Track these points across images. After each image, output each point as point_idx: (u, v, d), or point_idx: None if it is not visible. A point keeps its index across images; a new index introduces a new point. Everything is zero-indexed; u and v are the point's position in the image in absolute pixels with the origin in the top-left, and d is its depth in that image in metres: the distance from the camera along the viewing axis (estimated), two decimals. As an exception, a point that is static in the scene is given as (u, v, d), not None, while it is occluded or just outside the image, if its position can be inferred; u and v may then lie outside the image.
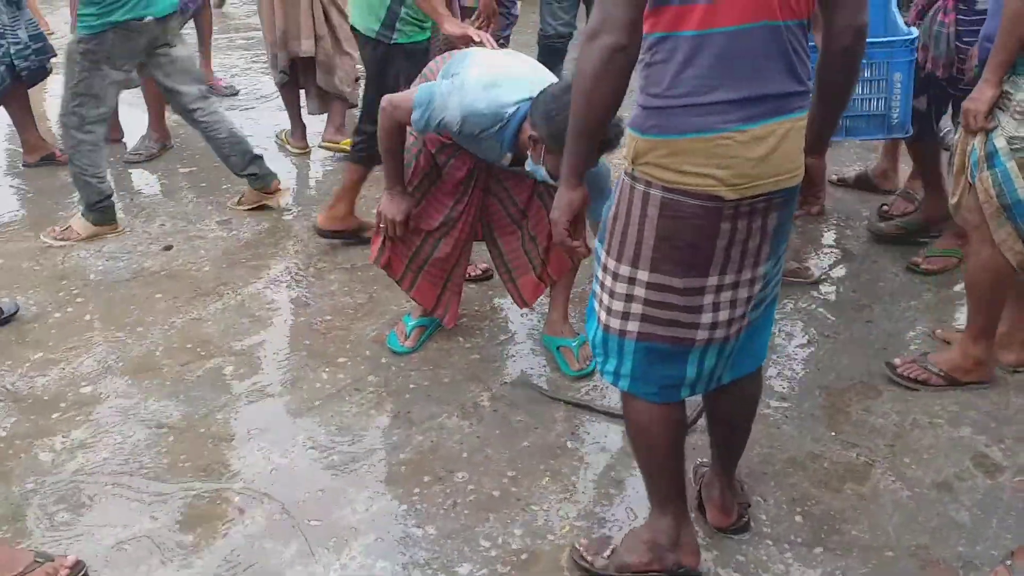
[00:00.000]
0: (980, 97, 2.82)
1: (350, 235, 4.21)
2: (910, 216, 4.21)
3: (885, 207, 4.39)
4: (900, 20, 3.75)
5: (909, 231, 4.15)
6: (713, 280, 2.06)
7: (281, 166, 5.22)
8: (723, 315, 2.11)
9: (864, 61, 2.79)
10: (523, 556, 2.50)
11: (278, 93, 5.53)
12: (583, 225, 2.24)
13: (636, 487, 2.65)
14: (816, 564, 2.45)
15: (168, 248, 4.28)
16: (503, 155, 2.85)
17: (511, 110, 2.73)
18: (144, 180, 5.13)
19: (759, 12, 1.88)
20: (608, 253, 2.12)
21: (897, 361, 3.20)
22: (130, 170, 5.22)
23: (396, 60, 3.75)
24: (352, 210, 4.20)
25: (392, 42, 3.72)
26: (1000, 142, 2.81)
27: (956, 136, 3.04)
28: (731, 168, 1.93)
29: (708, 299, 2.08)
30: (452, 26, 3.56)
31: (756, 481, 2.75)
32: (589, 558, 2.41)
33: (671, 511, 2.33)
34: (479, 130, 2.72)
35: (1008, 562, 2.36)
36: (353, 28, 3.89)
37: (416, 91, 2.85)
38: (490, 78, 2.72)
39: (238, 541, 2.57)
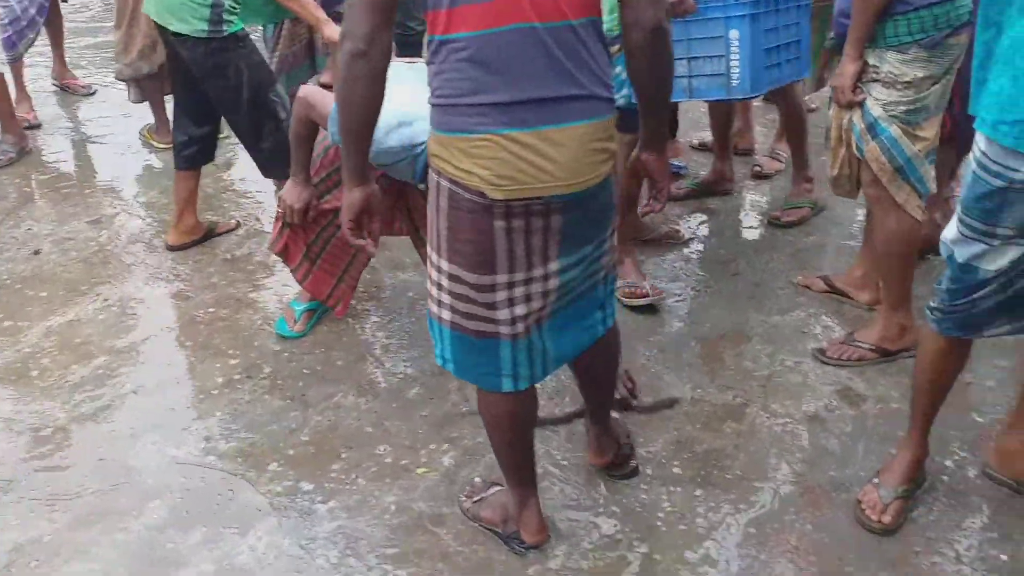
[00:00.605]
0: (844, 72, 2.92)
1: (204, 239, 4.20)
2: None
3: (757, 167, 4.60)
4: None
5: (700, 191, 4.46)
6: (503, 278, 2.09)
7: (146, 162, 5.13)
8: (519, 310, 2.13)
9: (700, 18, 3.10)
10: (427, 521, 2.58)
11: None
12: (373, 221, 2.23)
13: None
14: (702, 500, 2.61)
15: (37, 252, 4.16)
16: (416, 183, 2.82)
17: (422, 148, 2.65)
18: (5, 186, 4.96)
19: (509, 15, 1.89)
20: (428, 241, 2.21)
21: (825, 346, 3.26)
22: (-12, 176, 5.05)
23: (233, 50, 3.73)
24: (196, 217, 4.18)
25: (225, 34, 3.70)
26: (877, 111, 2.92)
27: (830, 111, 3.15)
28: (491, 169, 1.97)
29: (502, 295, 2.11)
30: (333, 31, 3.57)
31: (642, 427, 2.89)
32: (463, 497, 2.61)
33: (516, 491, 2.45)
34: (391, 160, 2.70)
35: (875, 480, 2.56)
36: (175, 35, 3.76)
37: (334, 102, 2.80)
38: (402, 115, 2.59)
39: (140, 533, 2.57)
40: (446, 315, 2.20)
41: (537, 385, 2.35)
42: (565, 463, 2.77)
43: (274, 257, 3.62)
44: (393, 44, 2.01)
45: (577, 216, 2.09)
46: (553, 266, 2.12)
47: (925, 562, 2.37)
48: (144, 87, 5.15)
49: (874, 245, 3.24)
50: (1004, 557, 2.37)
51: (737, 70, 3.24)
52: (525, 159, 1.96)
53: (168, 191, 4.77)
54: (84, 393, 3.19)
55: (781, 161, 4.60)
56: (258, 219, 4.43)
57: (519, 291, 2.12)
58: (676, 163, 4.62)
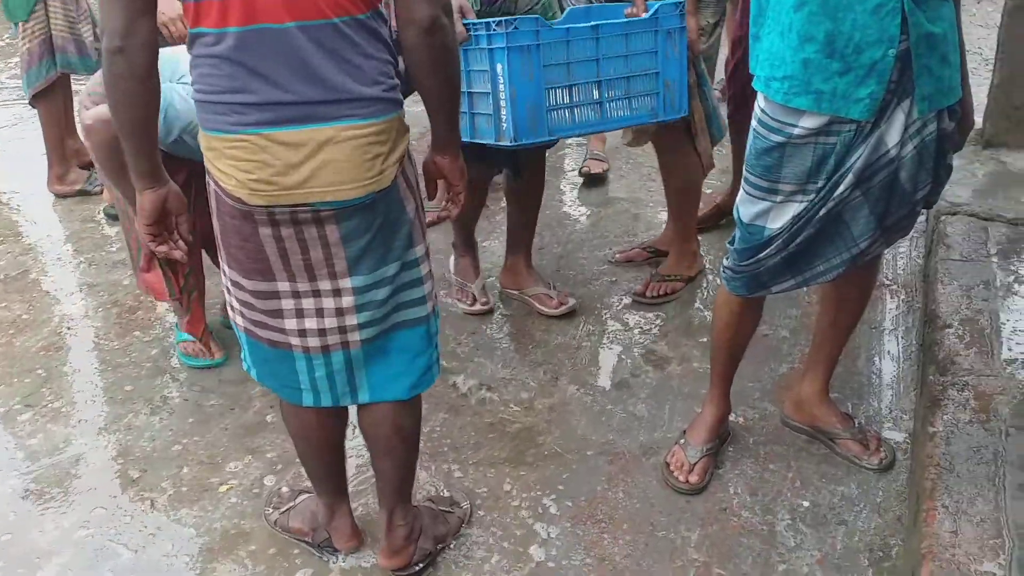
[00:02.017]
0: (689, 26, 2.99)
1: None
2: None
3: (585, 168, 4.51)
4: None
5: None
6: (284, 286, 1.98)
7: None
8: (310, 323, 2.01)
9: (472, 47, 2.71)
10: (232, 535, 2.45)
11: None
12: (179, 223, 2.06)
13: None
14: (518, 479, 2.58)
15: None
16: None
17: None
18: None
19: (257, 13, 1.76)
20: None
21: (639, 288, 3.44)
22: None
23: None
24: None
25: None
26: (700, 67, 3.13)
27: None
28: (251, 173, 1.83)
29: (288, 304, 1.99)
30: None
31: (455, 413, 2.84)
32: (270, 509, 2.50)
33: (326, 500, 2.36)
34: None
35: (681, 440, 2.60)
36: None
37: None
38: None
39: (-89, 593, 2.33)
40: (239, 320, 2.08)
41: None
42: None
43: (50, 277, 3.37)
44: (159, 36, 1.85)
45: (360, 228, 1.93)
46: (345, 283, 1.98)
47: (734, 517, 2.41)
48: None
49: (670, 187, 3.45)
50: (805, 503, 2.44)
51: (505, 112, 2.70)
52: (285, 161, 1.82)
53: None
54: None
55: (606, 162, 4.52)
56: (25, 235, 4.12)
57: (308, 303, 1.99)
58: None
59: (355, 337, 2.04)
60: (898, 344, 3.05)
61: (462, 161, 2.10)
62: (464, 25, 2.66)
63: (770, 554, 2.30)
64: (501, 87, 2.67)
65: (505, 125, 2.70)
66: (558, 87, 2.76)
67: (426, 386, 2.18)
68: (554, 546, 2.36)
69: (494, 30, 2.62)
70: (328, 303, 2.00)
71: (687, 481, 2.50)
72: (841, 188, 2.13)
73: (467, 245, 3.46)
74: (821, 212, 2.16)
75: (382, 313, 2.04)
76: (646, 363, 3.05)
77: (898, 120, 2.09)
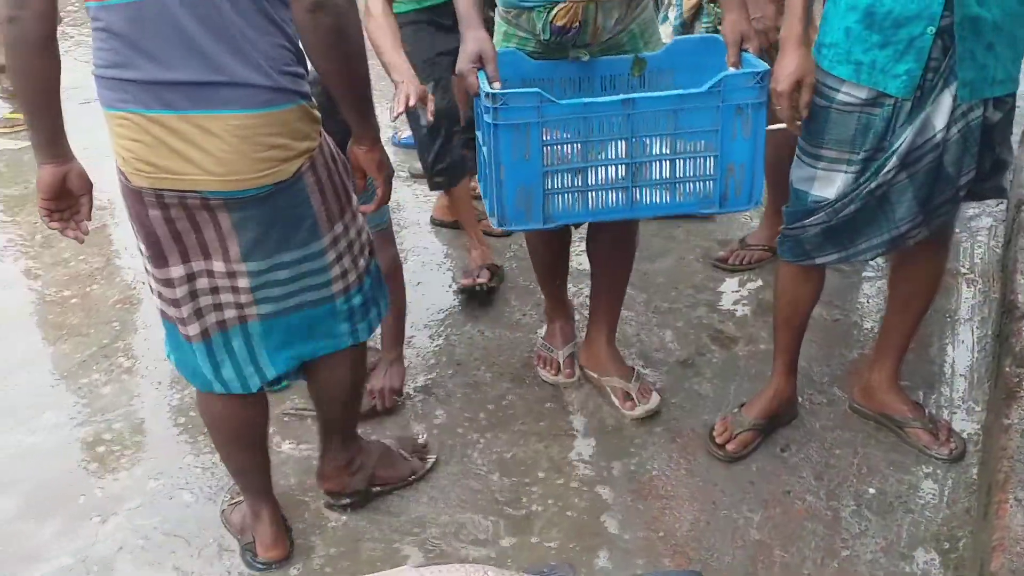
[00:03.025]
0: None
1: None
2: None
3: None
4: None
5: None
6: (177, 271, 1.92)
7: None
8: (205, 300, 1.97)
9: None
10: (296, 499, 2.49)
11: None
12: (80, 202, 2.00)
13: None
14: (580, 451, 2.59)
15: None
16: None
17: None
18: None
19: None
20: None
21: (723, 254, 3.42)
22: None
23: None
24: None
25: None
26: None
27: None
28: (133, 152, 1.80)
29: (182, 290, 1.94)
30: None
31: (520, 383, 2.86)
32: (227, 497, 2.46)
33: (247, 499, 2.32)
34: None
35: (735, 410, 2.59)
36: None
37: None
38: None
39: (-10, 530, 2.42)
40: (158, 303, 2.03)
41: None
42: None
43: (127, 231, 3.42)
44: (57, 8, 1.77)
45: (254, 218, 1.87)
46: (240, 267, 1.92)
47: (797, 501, 2.39)
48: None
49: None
50: (872, 491, 2.41)
51: (492, 192, 2.28)
52: (169, 145, 1.77)
53: (15, 168, 4.51)
54: (-76, 384, 2.98)
55: None
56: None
57: (203, 283, 1.94)
58: None
59: (252, 311, 2.00)
60: (972, 334, 2.99)
61: (380, 152, 1.98)
62: (477, 77, 2.17)
63: (833, 539, 2.27)
64: (491, 164, 2.23)
65: (494, 206, 2.27)
66: (567, 170, 2.23)
67: (365, 334, 2.18)
68: (616, 519, 2.36)
69: (485, 99, 2.13)
70: (223, 282, 1.95)
71: (723, 447, 2.52)
72: (887, 169, 2.15)
73: (555, 307, 2.93)
74: (866, 190, 2.18)
75: (281, 292, 1.99)
76: (713, 342, 3.02)
77: (945, 103, 2.09)
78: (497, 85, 2.11)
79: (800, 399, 2.68)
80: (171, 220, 1.86)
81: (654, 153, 2.24)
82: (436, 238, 3.73)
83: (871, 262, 3.27)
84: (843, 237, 2.28)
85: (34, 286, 3.51)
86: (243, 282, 1.95)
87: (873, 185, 2.17)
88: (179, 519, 2.42)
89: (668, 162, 2.25)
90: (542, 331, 3.01)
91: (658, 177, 2.27)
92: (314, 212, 1.94)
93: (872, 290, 3.23)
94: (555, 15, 2.28)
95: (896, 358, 2.58)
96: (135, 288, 3.43)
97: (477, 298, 3.23)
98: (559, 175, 2.23)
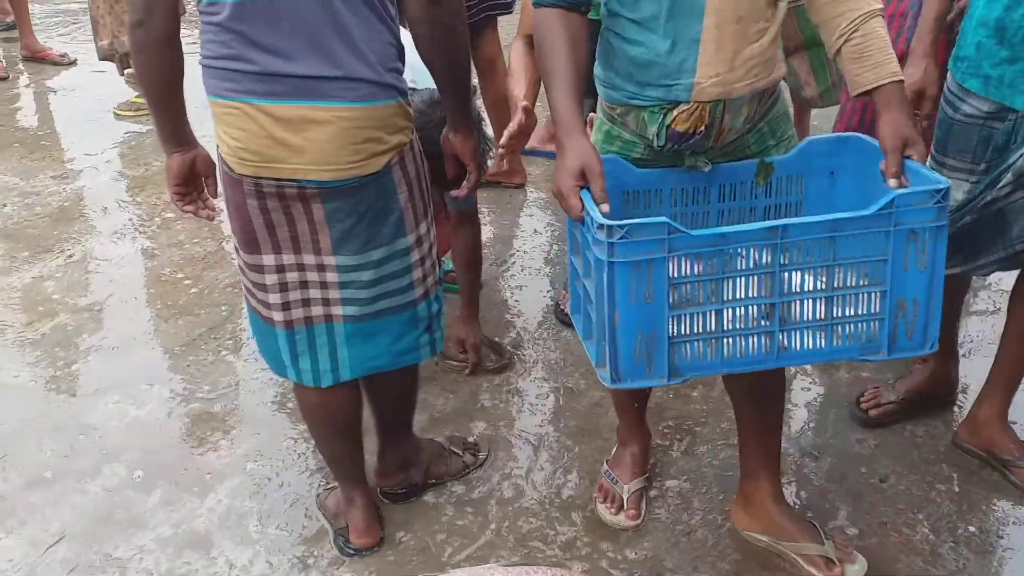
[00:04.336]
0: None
1: None
2: None
3: None
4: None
5: None
6: (269, 260, 1.99)
7: (116, 122, 5.01)
8: (294, 295, 2.03)
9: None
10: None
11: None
12: (208, 184, 2.10)
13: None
14: (676, 460, 2.58)
15: (2, 207, 4.07)
16: None
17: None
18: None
19: None
20: None
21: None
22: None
23: None
24: None
25: None
26: None
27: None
28: (239, 141, 1.87)
29: (271, 279, 2.01)
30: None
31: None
32: (323, 482, 2.52)
33: (342, 485, 2.35)
34: None
35: (891, 380, 2.52)
36: None
37: None
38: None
39: (98, 495, 2.52)
40: (246, 285, 2.10)
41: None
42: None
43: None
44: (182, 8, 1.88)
45: (344, 209, 1.93)
46: (330, 260, 1.99)
47: (894, 532, 2.34)
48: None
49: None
50: (971, 528, 2.34)
51: (605, 340, 1.79)
52: (273, 135, 1.84)
53: (138, 151, 4.69)
54: (44, 351, 3.12)
55: None
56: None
57: (292, 276, 2.01)
58: None
59: (338, 311, 2.04)
60: (1089, 377, 2.88)
61: (474, 141, 2.13)
62: (580, 198, 1.73)
63: (929, 574, 2.22)
64: (601, 307, 1.77)
65: (604, 357, 1.82)
66: (698, 312, 1.79)
67: (411, 361, 2.20)
68: (699, 531, 2.35)
69: (596, 230, 1.69)
70: (312, 276, 2.01)
71: (866, 412, 2.67)
72: (1001, 184, 2.14)
73: (629, 428, 2.49)
74: (982, 202, 2.18)
75: (367, 295, 2.03)
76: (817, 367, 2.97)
77: None
78: (606, 208, 1.70)
79: (904, 431, 2.62)
80: (267, 210, 1.93)
81: (805, 289, 1.81)
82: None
83: (985, 298, 3.19)
84: (965, 247, 2.26)
85: (151, 265, 3.65)
86: (332, 276, 2.00)
87: (988, 198, 2.17)
88: (275, 500, 2.49)
89: (823, 300, 1.81)
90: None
91: (810, 318, 1.82)
92: (401, 207, 1.99)
93: (983, 324, 3.13)
94: (674, 119, 1.84)
95: (1007, 393, 2.50)
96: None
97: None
98: (688, 319, 1.79)
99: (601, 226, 1.67)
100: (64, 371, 3.02)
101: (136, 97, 5.10)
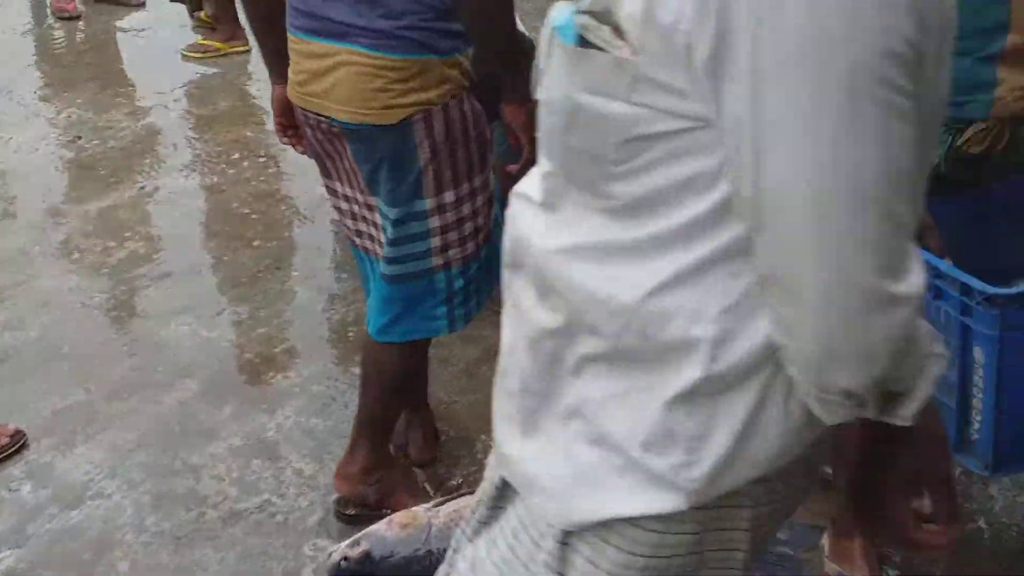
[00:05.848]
0: None
1: None
2: None
3: None
4: None
5: None
6: (337, 187, 2.12)
7: (186, 62, 5.16)
8: (356, 224, 2.15)
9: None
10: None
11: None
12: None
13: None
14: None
15: (77, 139, 4.25)
16: None
17: None
18: (45, 73, 5.03)
19: None
20: None
21: None
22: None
23: None
24: None
25: None
26: None
27: None
28: (293, 72, 2.00)
29: (344, 205, 2.14)
30: None
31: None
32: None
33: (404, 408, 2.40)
34: None
35: None
36: None
37: None
38: None
39: (173, 406, 2.69)
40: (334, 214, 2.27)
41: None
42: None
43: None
44: None
45: (363, 153, 1.96)
46: (371, 199, 2.04)
47: None
48: None
49: None
50: None
51: (980, 423, 1.57)
52: (310, 70, 1.94)
53: (206, 91, 4.83)
54: (121, 275, 3.29)
55: None
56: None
57: (355, 207, 2.12)
58: None
59: (379, 250, 2.10)
60: None
61: (527, 113, 1.89)
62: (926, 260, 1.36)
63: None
64: (977, 386, 1.53)
65: (976, 440, 1.56)
66: None
67: (462, 323, 2.13)
68: None
69: (977, 299, 1.44)
70: (361, 210, 2.11)
71: None
72: None
73: (855, 517, 1.84)
74: None
75: (392, 252, 2.03)
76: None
77: None
78: (949, 261, 1.46)
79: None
80: (320, 141, 2.04)
81: None
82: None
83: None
84: None
85: (219, 199, 3.80)
86: (376, 216, 2.07)
87: None
88: (339, 419, 2.63)
89: None
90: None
91: None
92: (419, 168, 1.94)
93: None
94: (967, 139, 1.61)
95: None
96: (307, 211, 3.68)
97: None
98: None
99: (988, 297, 1.43)
100: (139, 294, 3.20)
101: (203, 39, 5.24)
